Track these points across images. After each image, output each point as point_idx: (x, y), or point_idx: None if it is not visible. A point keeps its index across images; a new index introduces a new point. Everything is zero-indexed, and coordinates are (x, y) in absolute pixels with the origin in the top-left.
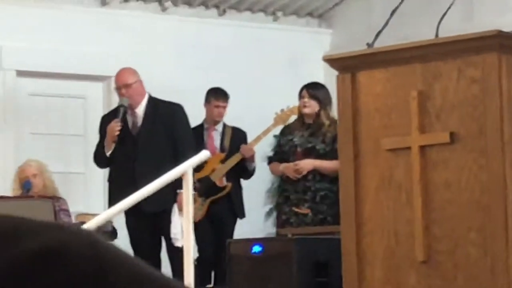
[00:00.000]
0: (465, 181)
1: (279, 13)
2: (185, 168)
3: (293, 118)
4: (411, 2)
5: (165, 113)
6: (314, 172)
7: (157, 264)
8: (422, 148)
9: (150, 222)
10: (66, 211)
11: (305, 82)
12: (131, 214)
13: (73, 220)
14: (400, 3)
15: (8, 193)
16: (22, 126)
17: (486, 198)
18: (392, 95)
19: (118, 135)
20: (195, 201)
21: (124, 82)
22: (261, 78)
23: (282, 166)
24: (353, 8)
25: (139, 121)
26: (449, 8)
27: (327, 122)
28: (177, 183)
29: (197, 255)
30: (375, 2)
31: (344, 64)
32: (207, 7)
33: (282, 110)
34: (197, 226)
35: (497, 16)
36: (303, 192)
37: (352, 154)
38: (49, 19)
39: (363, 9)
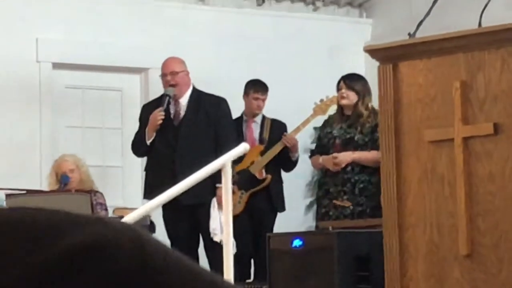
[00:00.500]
0: (509, 173)
1: (319, 3)
2: (224, 161)
3: (333, 108)
4: None
5: (209, 105)
6: (353, 164)
7: (195, 258)
8: (465, 139)
9: (187, 215)
10: (103, 204)
11: (346, 73)
12: (168, 206)
13: (110, 213)
14: None
15: (45, 187)
16: (59, 119)
17: None
18: (435, 85)
19: (160, 124)
20: (233, 194)
21: (171, 70)
22: (300, 69)
23: (322, 159)
24: None
25: (182, 111)
26: None
27: (365, 113)
28: (216, 177)
29: (235, 250)
30: None
31: (385, 55)
32: None
33: (321, 101)
34: (236, 220)
35: None
36: (342, 185)
37: (394, 146)
38: (85, 11)
39: None
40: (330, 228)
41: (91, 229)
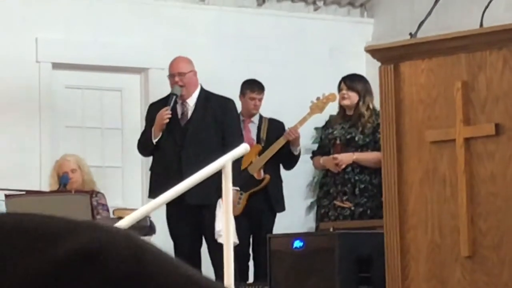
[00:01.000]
0: (511, 174)
1: (320, 3)
2: (225, 161)
3: (332, 107)
4: None
5: (217, 106)
6: (354, 164)
7: (197, 259)
8: (467, 140)
9: (191, 215)
10: (104, 205)
11: (347, 73)
12: (173, 205)
13: (111, 215)
14: None
15: (45, 187)
16: (58, 119)
17: None
18: (436, 86)
19: (167, 124)
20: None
21: (179, 70)
22: (301, 69)
23: (322, 159)
24: None
25: (189, 111)
26: None
27: (366, 113)
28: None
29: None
30: None
31: (386, 55)
32: None
33: (318, 99)
34: (235, 220)
35: None
36: (343, 185)
37: (395, 146)
38: (85, 11)
39: None
40: (331, 229)
41: (86, 235)
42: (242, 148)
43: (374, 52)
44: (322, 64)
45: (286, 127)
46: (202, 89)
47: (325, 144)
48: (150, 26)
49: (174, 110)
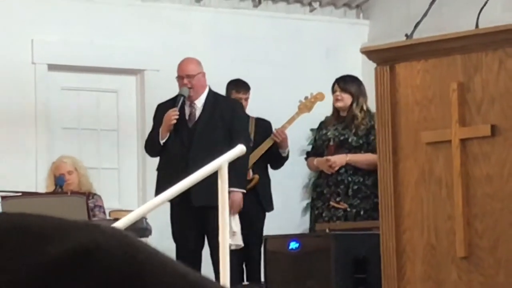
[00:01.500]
0: (507, 175)
1: (316, 4)
2: (221, 162)
3: (324, 107)
4: None
5: (225, 108)
6: (347, 165)
7: (198, 259)
8: (463, 141)
9: (196, 216)
10: (101, 207)
11: (343, 74)
12: (177, 206)
13: (107, 216)
14: None
15: (41, 188)
16: (54, 120)
17: None
18: (432, 87)
19: (174, 125)
20: None
21: (187, 72)
22: (298, 70)
23: (316, 161)
24: None
25: (197, 113)
26: None
27: (360, 115)
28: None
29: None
30: None
31: (382, 56)
32: None
33: (306, 98)
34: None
35: None
36: (336, 186)
37: (391, 147)
38: (80, 12)
39: None
40: (327, 230)
41: (80, 235)
42: (238, 150)
43: (370, 53)
44: (318, 65)
45: (274, 127)
46: (210, 91)
47: (319, 146)
48: (146, 27)
49: (182, 111)
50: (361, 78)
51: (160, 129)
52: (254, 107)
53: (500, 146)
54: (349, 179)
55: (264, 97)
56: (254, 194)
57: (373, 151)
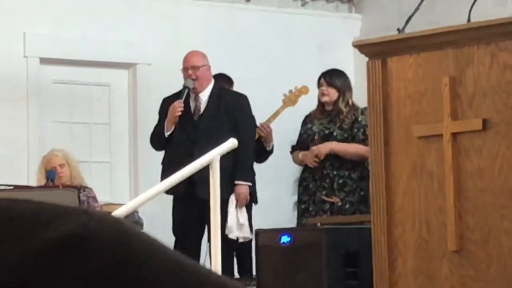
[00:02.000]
0: (498, 169)
1: None
2: (213, 156)
3: (309, 101)
4: None
5: (230, 101)
6: (333, 159)
7: (197, 251)
8: (454, 135)
9: (198, 208)
10: (94, 197)
11: (335, 68)
12: (181, 198)
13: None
14: None
15: (32, 182)
16: (46, 114)
17: None
18: (424, 81)
19: (179, 118)
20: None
21: (192, 64)
22: (289, 64)
23: (301, 154)
24: None
25: (202, 106)
26: None
27: (345, 110)
28: (235, 174)
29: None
30: None
31: (374, 50)
32: None
33: (290, 91)
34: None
35: None
36: (322, 180)
37: (383, 141)
38: (73, 5)
39: None
40: (319, 224)
41: (73, 220)
42: (230, 143)
43: (362, 47)
44: (310, 59)
45: (258, 122)
46: (215, 84)
47: (304, 139)
48: (138, 21)
49: (187, 104)
50: (353, 72)
51: (166, 121)
52: None
53: (491, 140)
54: (334, 172)
55: (256, 92)
56: None
57: (358, 143)
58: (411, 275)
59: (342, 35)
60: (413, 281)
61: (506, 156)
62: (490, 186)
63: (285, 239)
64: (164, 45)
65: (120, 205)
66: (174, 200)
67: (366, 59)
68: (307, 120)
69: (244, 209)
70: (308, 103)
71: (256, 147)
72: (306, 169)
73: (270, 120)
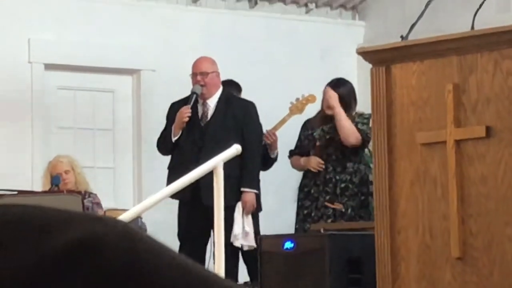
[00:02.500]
0: (502, 176)
1: (312, 5)
2: (216, 162)
3: (309, 106)
4: None
5: (237, 108)
6: (335, 163)
7: (202, 256)
8: (458, 142)
9: (204, 215)
10: (99, 204)
11: (338, 75)
12: (186, 203)
13: None
14: None
15: (37, 187)
16: (50, 120)
17: None
18: (427, 88)
19: (187, 123)
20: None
21: (201, 70)
22: (293, 71)
23: (303, 160)
24: None
25: (210, 112)
26: None
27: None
28: (241, 181)
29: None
30: None
31: (378, 57)
32: None
33: (297, 99)
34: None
35: None
36: (324, 185)
37: (386, 148)
38: (77, 11)
39: (397, 0)
40: (322, 230)
41: (82, 226)
42: (234, 149)
43: (366, 54)
44: (313, 66)
45: (265, 127)
46: (223, 91)
47: (304, 145)
48: (142, 27)
49: (194, 109)
50: (356, 79)
51: (173, 127)
52: None
53: (495, 147)
54: (337, 177)
55: (260, 98)
56: None
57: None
58: (414, 281)
59: (346, 42)
60: (416, 287)
61: (509, 163)
62: (493, 192)
63: (288, 245)
64: (168, 52)
65: (124, 210)
66: (180, 205)
67: (370, 66)
68: (307, 125)
69: (250, 217)
70: (311, 110)
71: (261, 154)
72: (306, 174)
73: (276, 127)
